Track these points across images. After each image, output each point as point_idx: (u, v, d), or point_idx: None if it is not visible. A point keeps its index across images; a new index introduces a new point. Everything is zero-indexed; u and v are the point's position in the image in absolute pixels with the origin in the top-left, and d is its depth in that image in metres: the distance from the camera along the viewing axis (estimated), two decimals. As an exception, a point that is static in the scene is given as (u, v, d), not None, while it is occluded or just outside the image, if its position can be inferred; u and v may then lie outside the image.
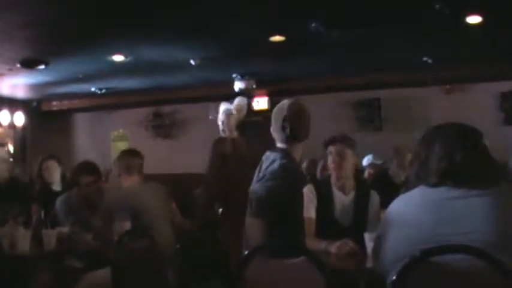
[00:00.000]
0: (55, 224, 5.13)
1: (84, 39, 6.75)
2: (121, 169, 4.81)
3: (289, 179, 3.47)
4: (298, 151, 3.62)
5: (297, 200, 3.54)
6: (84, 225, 4.98)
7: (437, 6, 5.52)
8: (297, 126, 3.57)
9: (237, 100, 6.74)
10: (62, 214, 5.20)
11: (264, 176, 3.52)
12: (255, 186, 3.54)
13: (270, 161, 3.58)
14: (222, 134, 6.55)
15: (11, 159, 5.71)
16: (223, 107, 6.66)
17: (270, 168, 3.53)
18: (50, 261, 4.75)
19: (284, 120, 3.58)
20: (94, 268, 4.64)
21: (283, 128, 3.58)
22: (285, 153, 3.56)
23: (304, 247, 2.95)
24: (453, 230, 2.25)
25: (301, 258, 2.69)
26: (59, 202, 5.27)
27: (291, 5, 5.63)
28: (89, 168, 5.28)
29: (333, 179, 4.24)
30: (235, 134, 6.46)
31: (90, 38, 6.72)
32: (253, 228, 3.39)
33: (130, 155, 4.93)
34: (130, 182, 4.73)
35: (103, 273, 4.44)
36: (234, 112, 6.59)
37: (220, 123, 6.58)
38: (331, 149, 4.21)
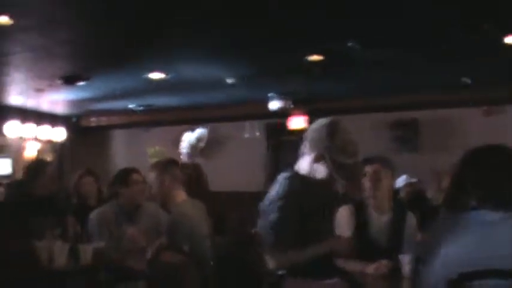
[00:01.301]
0: (91, 238, 5.18)
1: (123, 56, 6.83)
2: (163, 180, 4.71)
3: (284, 199, 3.25)
4: (311, 167, 3.37)
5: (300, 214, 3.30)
6: (120, 238, 5.01)
7: (484, 26, 5.47)
8: (309, 138, 3.31)
9: (200, 131, 7.14)
10: (96, 228, 5.21)
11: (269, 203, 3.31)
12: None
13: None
14: (184, 160, 6.99)
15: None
16: (188, 137, 7.05)
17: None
18: (85, 275, 4.79)
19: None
20: (128, 282, 4.66)
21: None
22: (290, 170, 3.40)
23: (340, 268, 2.93)
24: (491, 253, 2.22)
25: (336, 279, 2.67)
26: (94, 215, 5.28)
27: (328, 25, 5.63)
28: (137, 170, 5.33)
29: (369, 199, 4.22)
30: (196, 160, 6.87)
31: (129, 56, 6.79)
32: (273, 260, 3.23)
33: (174, 166, 4.83)
34: (180, 198, 4.66)
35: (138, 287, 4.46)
36: (196, 142, 6.99)
37: (184, 151, 6.98)
38: (368, 169, 4.18)
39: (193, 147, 7.08)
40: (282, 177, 3.28)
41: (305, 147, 3.24)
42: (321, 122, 3.28)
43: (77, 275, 4.72)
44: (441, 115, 9.77)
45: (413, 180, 7.15)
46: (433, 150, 9.50)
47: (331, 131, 3.16)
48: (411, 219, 4.22)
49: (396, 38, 6.07)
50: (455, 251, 2.30)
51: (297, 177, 3.25)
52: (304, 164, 3.24)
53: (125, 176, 5.17)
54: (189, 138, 7.23)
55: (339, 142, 3.11)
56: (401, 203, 4.53)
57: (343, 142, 3.12)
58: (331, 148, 3.09)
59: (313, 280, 2.83)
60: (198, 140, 7.26)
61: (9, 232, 3.67)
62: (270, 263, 3.09)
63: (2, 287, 3.54)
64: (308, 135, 3.24)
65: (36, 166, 5.82)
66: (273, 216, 3.10)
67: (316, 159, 3.16)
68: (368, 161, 4.20)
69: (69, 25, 5.63)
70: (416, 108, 9.74)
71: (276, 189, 3.22)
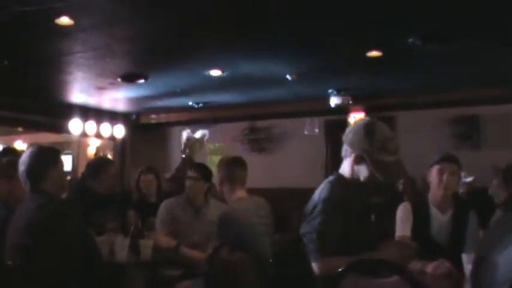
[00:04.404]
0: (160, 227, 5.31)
1: (183, 54, 6.88)
2: (225, 178, 4.74)
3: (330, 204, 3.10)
4: (353, 169, 3.17)
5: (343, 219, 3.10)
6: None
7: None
8: (347, 140, 3.22)
9: (201, 132, 7.21)
10: (164, 217, 5.34)
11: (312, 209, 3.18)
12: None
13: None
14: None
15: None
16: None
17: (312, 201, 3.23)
18: (145, 270, 4.86)
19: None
20: (187, 278, 4.71)
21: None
22: (335, 173, 3.31)
23: (399, 266, 2.88)
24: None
25: (395, 277, 2.64)
26: (163, 205, 5.43)
27: (387, 20, 5.57)
28: (196, 165, 5.47)
29: (432, 197, 4.16)
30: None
31: (188, 53, 6.84)
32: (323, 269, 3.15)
33: (238, 165, 4.85)
34: (237, 195, 4.68)
35: (196, 284, 4.49)
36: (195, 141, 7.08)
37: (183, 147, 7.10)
38: (446, 166, 4.13)
39: (192, 146, 7.15)
40: (325, 181, 3.25)
41: (345, 150, 3.20)
42: (358, 123, 3.24)
43: (137, 269, 4.80)
44: (503, 111, 9.53)
45: (469, 179, 7.06)
46: (495, 147, 9.29)
47: (369, 130, 3.10)
48: (473, 218, 4.15)
49: (456, 32, 5.97)
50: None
51: (340, 181, 3.22)
52: (346, 167, 3.21)
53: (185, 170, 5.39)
54: (189, 137, 7.32)
55: (377, 141, 3.06)
56: (462, 201, 4.46)
57: (382, 140, 3.07)
58: (370, 148, 3.04)
59: (372, 278, 2.79)
60: (197, 141, 7.32)
61: (71, 226, 3.75)
62: (315, 268, 3.06)
63: (64, 279, 3.61)
64: (346, 138, 3.20)
65: (99, 164, 5.93)
66: (316, 221, 3.07)
67: (356, 161, 3.12)
68: (447, 159, 4.17)
69: (128, 24, 5.71)
70: (477, 104, 9.54)
71: (318, 193, 3.20)
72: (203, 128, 10.82)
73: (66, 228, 3.70)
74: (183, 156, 7.14)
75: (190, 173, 5.34)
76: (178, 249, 4.99)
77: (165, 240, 5.13)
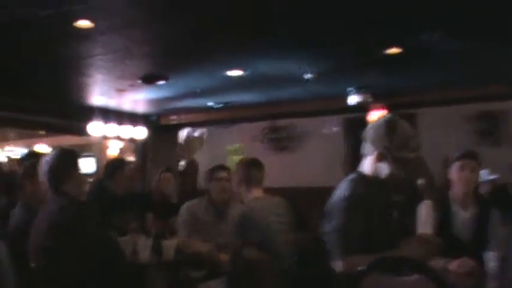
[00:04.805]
0: (174, 233, 5.29)
1: (202, 55, 6.88)
2: (242, 179, 4.76)
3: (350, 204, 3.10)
4: (374, 167, 3.17)
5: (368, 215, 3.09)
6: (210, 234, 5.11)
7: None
8: (368, 138, 3.21)
9: (201, 131, 7.19)
10: (185, 219, 5.30)
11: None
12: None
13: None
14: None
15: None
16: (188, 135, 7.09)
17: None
18: (167, 270, 4.88)
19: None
20: (210, 278, 4.72)
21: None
22: (355, 172, 3.31)
23: (422, 264, 2.86)
24: None
25: (419, 276, 2.62)
26: (184, 208, 5.39)
27: (406, 17, 5.54)
28: (224, 167, 5.42)
29: (454, 194, 4.14)
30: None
31: (208, 55, 6.84)
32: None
33: (255, 166, 4.87)
34: (254, 195, 4.70)
35: (218, 284, 4.50)
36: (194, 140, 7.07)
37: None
38: (466, 163, 4.11)
39: (192, 144, 7.11)
40: (346, 180, 3.24)
41: (366, 147, 3.18)
42: (379, 120, 3.22)
43: (160, 269, 4.83)
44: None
45: (493, 176, 7.01)
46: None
47: (390, 127, 3.09)
48: (495, 215, 4.12)
49: (476, 28, 5.92)
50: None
51: (361, 179, 3.21)
52: (367, 165, 3.19)
53: (211, 172, 5.32)
54: (189, 135, 7.28)
55: (398, 138, 3.05)
56: (484, 198, 4.43)
57: (404, 137, 3.05)
58: (391, 145, 3.02)
59: (395, 276, 2.78)
60: (197, 139, 7.28)
61: (90, 228, 3.77)
62: (336, 267, 3.04)
63: (86, 280, 3.64)
64: (367, 136, 3.18)
65: (114, 165, 5.99)
66: (337, 220, 3.06)
67: (378, 158, 3.10)
68: (468, 156, 4.15)
69: (147, 26, 5.72)
70: (499, 100, 9.45)
71: (340, 192, 3.18)
72: (222, 128, 10.89)
73: (86, 229, 3.73)
74: (188, 159, 7.16)
75: (221, 174, 5.31)
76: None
77: (205, 246, 5.06)
